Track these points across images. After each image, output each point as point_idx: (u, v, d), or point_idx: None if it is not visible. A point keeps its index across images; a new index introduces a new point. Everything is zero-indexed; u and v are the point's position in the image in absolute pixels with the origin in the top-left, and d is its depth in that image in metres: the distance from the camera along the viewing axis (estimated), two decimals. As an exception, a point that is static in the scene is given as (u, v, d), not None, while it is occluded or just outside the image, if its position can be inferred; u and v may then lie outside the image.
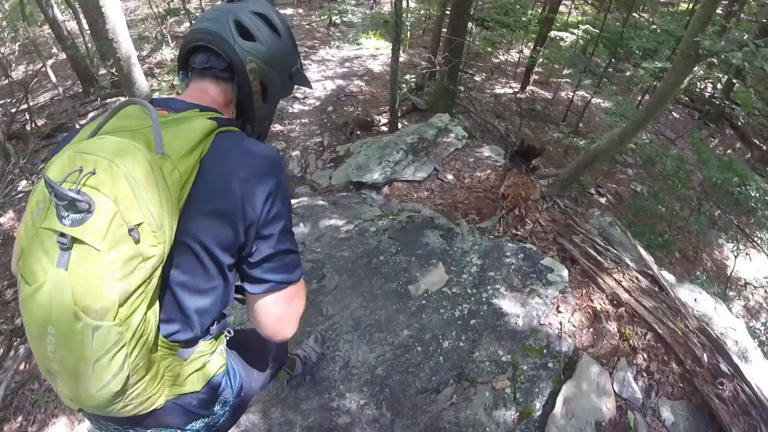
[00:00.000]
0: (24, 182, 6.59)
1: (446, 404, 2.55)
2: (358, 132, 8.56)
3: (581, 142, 9.19)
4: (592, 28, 9.34)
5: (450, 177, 6.33)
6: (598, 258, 3.73)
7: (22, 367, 4.67)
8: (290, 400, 2.68)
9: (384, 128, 8.75)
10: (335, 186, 6.71)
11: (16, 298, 5.59)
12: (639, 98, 10.60)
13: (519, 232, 4.35)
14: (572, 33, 9.35)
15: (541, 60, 10.66)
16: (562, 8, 13.01)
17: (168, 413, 1.08)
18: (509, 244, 3.73)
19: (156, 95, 6.54)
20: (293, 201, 6.11)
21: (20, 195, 6.37)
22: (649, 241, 6.43)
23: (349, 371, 2.83)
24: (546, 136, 9.90)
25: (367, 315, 3.10)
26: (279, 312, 1.11)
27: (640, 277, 3.50)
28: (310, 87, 1.39)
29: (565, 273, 3.46)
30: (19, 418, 4.28)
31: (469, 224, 4.02)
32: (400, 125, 8.58)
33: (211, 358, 1.14)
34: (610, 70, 10.47)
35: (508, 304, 3.16)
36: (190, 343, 1.07)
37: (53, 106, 10.12)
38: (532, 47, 11.20)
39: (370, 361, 2.81)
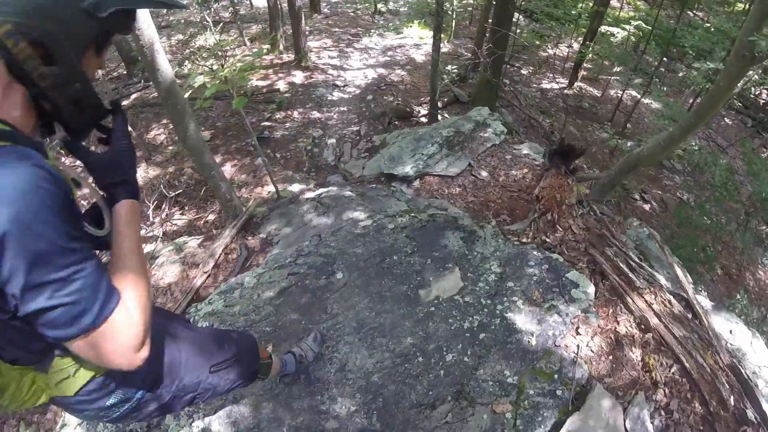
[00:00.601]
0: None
1: (440, 422, 2.38)
2: (396, 122, 8.38)
3: (628, 144, 8.71)
4: (644, 25, 8.78)
5: (484, 174, 6.08)
6: (630, 275, 3.43)
7: None
8: (282, 397, 2.58)
9: (423, 119, 8.54)
10: (367, 177, 6.58)
11: None
12: (690, 101, 9.92)
13: (548, 239, 4.08)
14: (623, 29, 8.84)
15: (590, 56, 10.16)
16: (613, 2, 12.37)
17: (60, 404, 1.22)
18: (534, 252, 3.48)
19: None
20: (323, 190, 6.06)
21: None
22: (691, 254, 5.97)
23: (344, 375, 2.71)
24: (592, 136, 9.42)
25: (372, 318, 2.96)
26: (95, 356, 0.92)
27: (673, 300, 3.19)
28: (166, 5, 1.07)
29: (591, 290, 3.19)
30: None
31: (494, 227, 3.80)
32: (440, 117, 8.35)
33: (76, 370, 1.15)
34: (662, 69, 9.84)
35: (523, 319, 2.94)
36: (30, 360, 1.08)
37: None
38: (581, 42, 10.69)
39: (368, 367, 2.67)
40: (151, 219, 5.65)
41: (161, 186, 6.10)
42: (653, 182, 8.94)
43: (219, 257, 4.70)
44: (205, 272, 4.52)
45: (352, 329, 2.91)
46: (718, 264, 6.49)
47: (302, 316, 3.03)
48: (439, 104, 8.31)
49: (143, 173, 7.19)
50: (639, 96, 9.71)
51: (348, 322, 2.95)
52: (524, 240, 4.34)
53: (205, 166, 4.46)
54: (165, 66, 3.55)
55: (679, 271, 3.63)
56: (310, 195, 5.86)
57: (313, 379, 2.68)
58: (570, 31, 11.95)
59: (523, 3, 8.42)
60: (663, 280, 3.51)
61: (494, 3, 8.35)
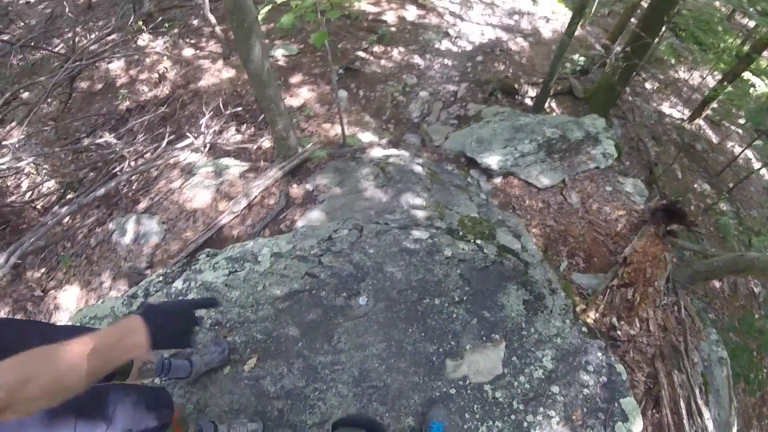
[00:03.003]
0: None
1: None
2: (499, 95, 7.34)
3: (725, 207, 7.42)
4: None
5: (575, 199, 5.14)
6: (685, 421, 2.67)
7: (66, 220, 4.58)
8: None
9: (528, 101, 7.45)
10: (447, 150, 5.79)
11: (87, 150, 5.54)
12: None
13: (619, 332, 3.29)
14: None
15: (721, 97, 8.62)
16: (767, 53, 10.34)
17: None
18: (598, 354, 2.69)
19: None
20: (393, 152, 5.32)
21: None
22: (742, 368, 4.85)
23: (322, 436, 2.19)
24: (693, 183, 8.06)
25: (380, 373, 2.35)
26: None
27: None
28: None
29: (637, 428, 2.44)
30: (42, 270, 4.22)
31: (566, 299, 3.02)
32: (546, 106, 7.25)
33: None
34: None
35: None
36: None
37: None
38: (719, 79, 9.05)
39: (350, 444, 2.12)
40: (203, 128, 5.18)
41: (224, 93, 5.56)
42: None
43: (254, 199, 4.19)
44: (234, 212, 4.03)
45: (351, 378, 2.32)
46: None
47: (302, 337, 2.47)
48: (551, 91, 7.17)
49: (216, 72, 6.66)
50: (757, 163, 8.24)
51: (350, 367, 2.36)
52: (591, 316, 3.57)
53: (265, 97, 3.82)
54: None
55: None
56: (376, 153, 5.17)
57: (284, 423, 2.18)
58: (710, 62, 10.22)
59: (674, 14, 6.91)
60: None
61: (646, 5, 6.98)
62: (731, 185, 8.12)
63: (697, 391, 2.89)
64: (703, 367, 3.38)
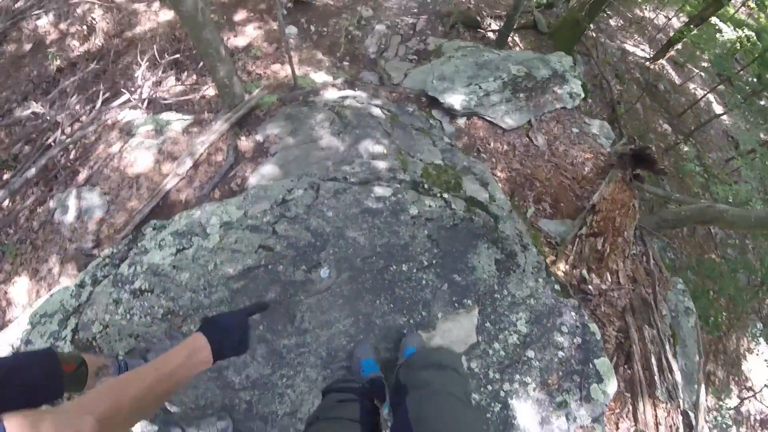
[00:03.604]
0: None
1: None
2: (461, 29, 6.92)
3: (685, 149, 7.55)
4: (757, 41, 7.12)
5: (541, 141, 4.97)
6: (656, 377, 2.72)
7: (5, 203, 4.11)
8: None
9: (491, 35, 7.07)
10: (407, 90, 5.44)
11: (18, 123, 4.92)
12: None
13: (590, 285, 3.24)
14: (736, 31, 7.17)
15: (686, 40, 8.55)
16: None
17: None
18: (572, 314, 2.60)
19: None
20: (349, 93, 4.95)
21: None
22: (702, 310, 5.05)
23: (292, 424, 2.05)
24: (655, 123, 8.05)
25: (348, 352, 2.20)
26: None
27: (681, 424, 2.51)
28: None
29: (612, 389, 2.40)
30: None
31: (537, 255, 2.89)
32: (509, 40, 6.90)
33: None
34: (756, 99, 8.21)
35: (527, 413, 2.18)
36: None
37: None
38: (686, 21, 8.88)
39: None
40: (139, 81, 4.61)
41: (160, 39, 4.94)
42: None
43: (200, 157, 3.83)
44: (179, 174, 3.68)
45: (318, 360, 2.16)
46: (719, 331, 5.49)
47: (262, 319, 2.26)
48: (515, 24, 6.81)
49: (152, 16, 5.93)
50: (717, 109, 8.45)
51: (317, 348, 2.19)
52: (561, 268, 3.50)
53: (202, 41, 3.36)
54: None
55: (703, 392, 2.90)
56: (331, 95, 4.80)
57: (253, 416, 2.03)
58: (677, 3, 10.00)
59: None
60: (680, 390, 2.78)
61: None
62: (693, 128, 8.15)
63: (667, 346, 2.91)
64: (671, 318, 3.41)
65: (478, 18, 7.01)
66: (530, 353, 2.36)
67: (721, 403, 4.54)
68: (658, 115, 8.24)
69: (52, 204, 4.07)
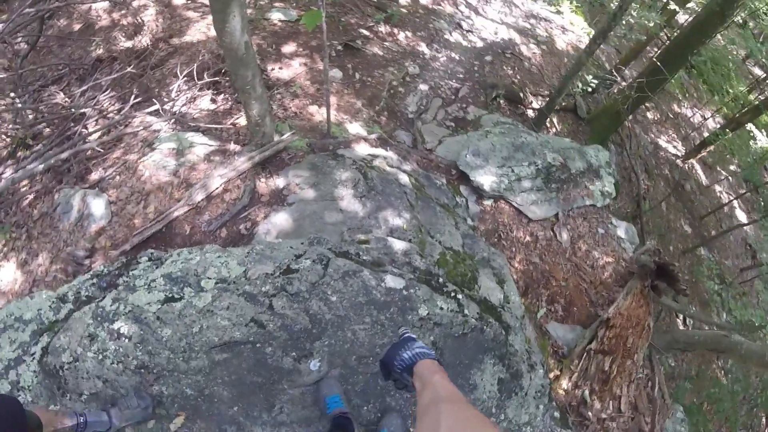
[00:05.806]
0: None
1: None
2: (502, 102, 6.86)
3: (703, 252, 7.42)
4: None
5: (565, 237, 4.78)
6: None
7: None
8: None
9: (531, 112, 7.00)
10: (439, 158, 5.31)
11: (44, 102, 4.83)
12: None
13: (590, 412, 2.99)
14: None
15: (719, 143, 8.53)
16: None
17: None
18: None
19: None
20: (380, 152, 4.80)
21: None
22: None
23: None
24: (677, 223, 7.88)
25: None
26: None
27: None
28: None
29: None
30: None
31: (543, 378, 2.65)
32: (547, 120, 6.82)
33: None
34: None
35: None
36: None
37: None
38: (723, 124, 8.85)
39: None
40: (174, 93, 4.52)
41: (203, 55, 4.87)
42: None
43: (215, 190, 3.67)
44: (190, 204, 3.52)
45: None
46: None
47: (239, 400, 2.02)
48: (556, 106, 6.75)
49: (204, 29, 5.91)
50: (739, 211, 8.38)
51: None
52: (564, 385, 3.26)
53: (240, 77, 3.24)
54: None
55: None
56: (362, 150, 4.67)
57: None
58: (714, 104, 10.02)
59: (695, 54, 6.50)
60: None
61: (673, 38, 6.60)
62: (714, 233, 7.97)
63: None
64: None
65: (521, 94, 6.95)
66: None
67: None
68: (681, 215, 8.06)
69: (57, 198, 3.93)
